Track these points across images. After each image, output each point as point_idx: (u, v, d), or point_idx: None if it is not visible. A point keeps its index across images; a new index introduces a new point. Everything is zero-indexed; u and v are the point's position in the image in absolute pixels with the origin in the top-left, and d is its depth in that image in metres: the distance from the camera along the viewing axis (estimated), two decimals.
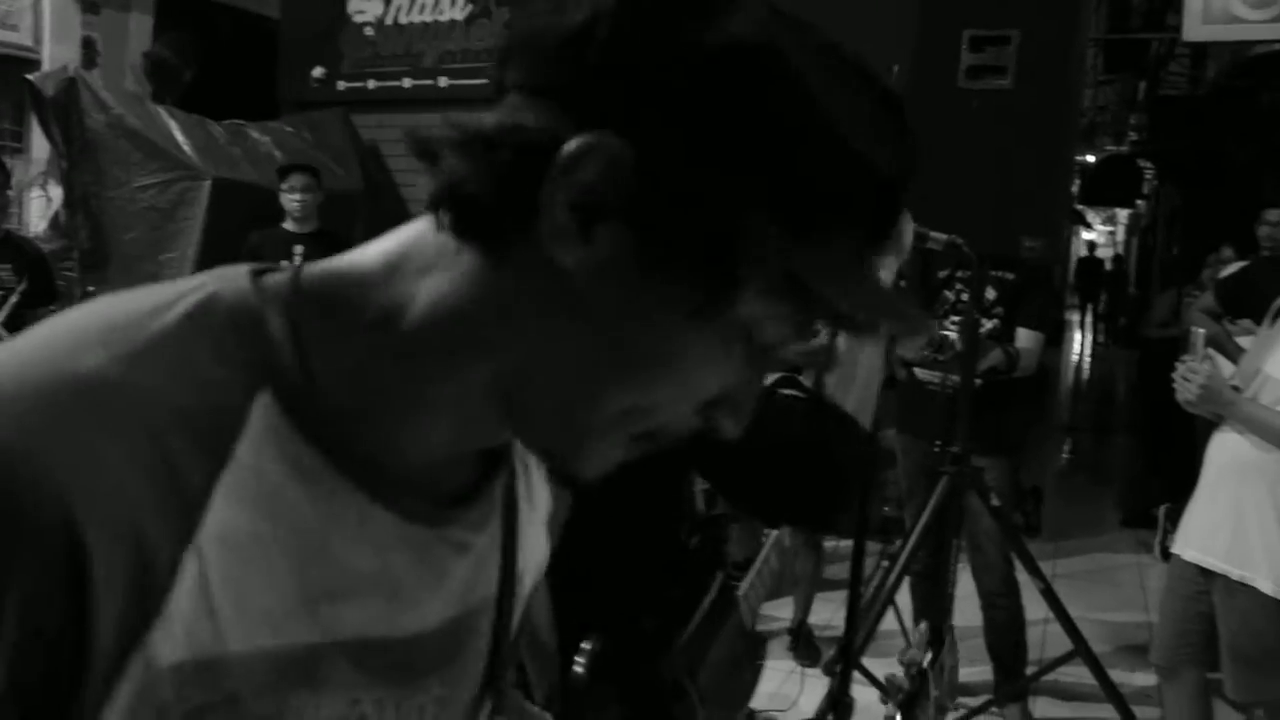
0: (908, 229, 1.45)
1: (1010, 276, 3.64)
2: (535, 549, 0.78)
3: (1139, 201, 15.68)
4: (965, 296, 3.63)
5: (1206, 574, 2.85)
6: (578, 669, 1.32)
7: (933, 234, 1.55)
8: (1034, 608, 3.54)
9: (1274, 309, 2.90)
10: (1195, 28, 5.24)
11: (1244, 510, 2.73)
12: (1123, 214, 20.29)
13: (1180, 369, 2.77)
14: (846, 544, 5.71)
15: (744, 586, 1.52)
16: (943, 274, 3.79)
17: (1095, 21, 12.39)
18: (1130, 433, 7.55)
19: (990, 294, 3.63)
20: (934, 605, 3.70)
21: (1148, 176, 13.81)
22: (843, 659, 1.74)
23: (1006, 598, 3.70)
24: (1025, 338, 3.63)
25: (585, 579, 1.38)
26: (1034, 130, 2.86)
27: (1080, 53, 3.14)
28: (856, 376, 1.35)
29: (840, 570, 5.45)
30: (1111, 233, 22.79)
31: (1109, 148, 14.41)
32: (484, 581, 0.70)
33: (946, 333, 3.51)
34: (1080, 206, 16.85)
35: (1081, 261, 17.07)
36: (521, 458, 0.75)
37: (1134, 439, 7.39)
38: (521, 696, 0.93)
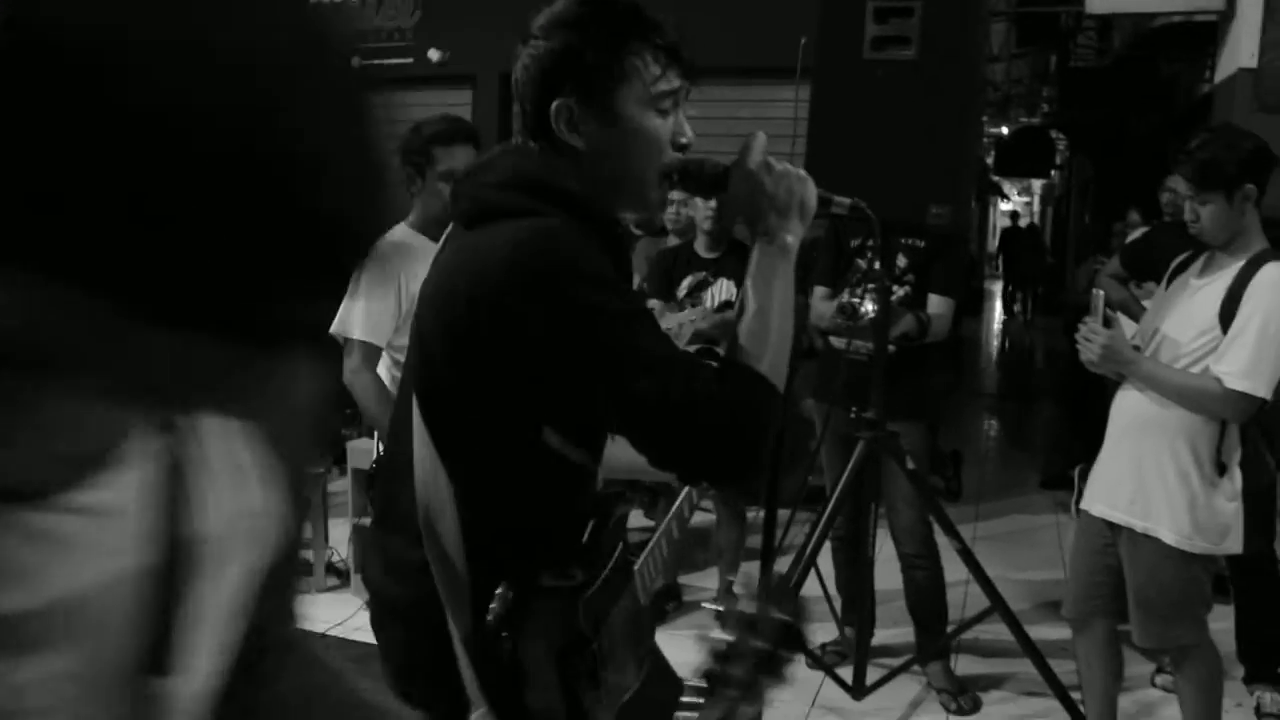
0: (811, 194, 1.48)
1: (921, 244, 3.71)
2: (228, 507, 0.73)
3: (1053, 172, 16.01)
4: (878, 264, 3.69)
5: (1113, 528, 2.94)
6: (491, 617, 1.38)
7: (836, 198, 1.59)
8: (954, 569, 3.63)
9: (1170, 270, 3.00)
10: (1098, 0, 5.38)
11: (1145, 464, 2.83)
12: (1038, 184, 20.72)
13: (1082, 330, 2.86)
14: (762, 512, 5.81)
15: (640, 561, 1.57)
16: (855, 243, 3.85)
17: None
18: (1050, 398, 7.74)
19: (901, 261, 3.69)
20: (854, 569, 3.78)
21: (1060, 148, 14.11)
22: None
23: (926, 559, 3.78)
24: (936, 303, 3.69)
25: (500, 525, 1.44)
26: (938, 100, 2.91)
27: (982, 22, 3.19)
28: (768, 337, 1.40)
29: (757, 538, 5.53)
30: (1028, 203, 23.25)
31: (1023, 120, 14.68)
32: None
33: (855, 300, 3.57)
34: (996, 178, 17.16)
35: (1005, 231, 17.34)
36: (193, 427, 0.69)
37: (1055, 404, 7.58)
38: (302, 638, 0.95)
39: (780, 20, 4.69)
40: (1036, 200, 22.75)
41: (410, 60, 6.86)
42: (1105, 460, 3.00)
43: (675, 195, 4.77)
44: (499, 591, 1.38)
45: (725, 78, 6.03)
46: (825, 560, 3.77)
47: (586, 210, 1.42)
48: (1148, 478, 2.83)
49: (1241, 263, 2.71)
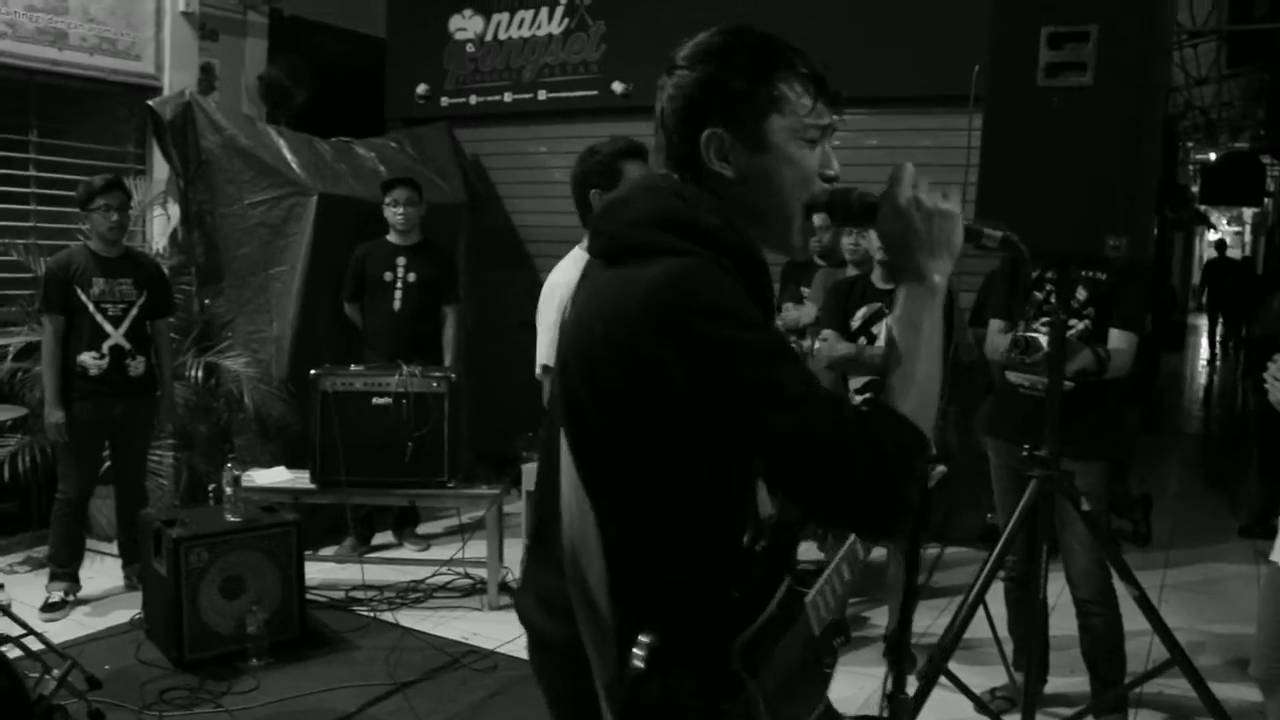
0: (958, 232, 1.44)
1: (1103, 276, 3.56)
2: None
3: (1265, 200, 15.04)
4: (1041, 295, 3.57)
5: None
6: (636, 662, 1.36)
7: (987, 230, 1.53)
8: (1138, 619, 3.45)
9: None
10: None
11: None
12: (1248, 213, 19.50)
13: (1271, 369, 2.68)
14: (950, 552, 5.65)
15: (811, 594, 1.53)
16: (1035, 272, 3.72)
17: (1216, 15, 11.95)
18: (1256, 441, 7.26)
19: (1081, 294, 3.56)
20: (1026, 612, 3.64)
21: (1274, 174, 13.24)
22: (894, 654, 1.73)
23: (1102, 605, 3.61)
24: (1116, 338, 3.54)
25: (648, 569, 1.44)
26: (1115, 127, 2.80)
27: (1164, 46, 3.05)
28: (914, 378, 1.36)
29: (943, 578, 5.39)
30: (1238, 233, 21.89)
31: (1232, 145, 13.86)
32: None
33: (1032, 334, 3.45)
34: (1203, 206, 16.22)
35: (1210, 263, 16.32)
36: None
37: (1259, 447, 7.10)
38: None
39: (954, 47, 4.60)
40: (1248, 230, 21.41)
41: (596, 92, 7.02)
42: None
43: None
44: (643, 639, 1.36)
45: (899, 106, 5.94)
46: (998, 602, 3.64)
47: (726, 245, 1.41)
48: None
49: None
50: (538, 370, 3.39)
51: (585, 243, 3.32)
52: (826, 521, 1.49)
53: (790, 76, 1.45)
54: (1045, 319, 3.55)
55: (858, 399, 3.10)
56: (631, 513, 1.44)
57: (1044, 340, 3.57)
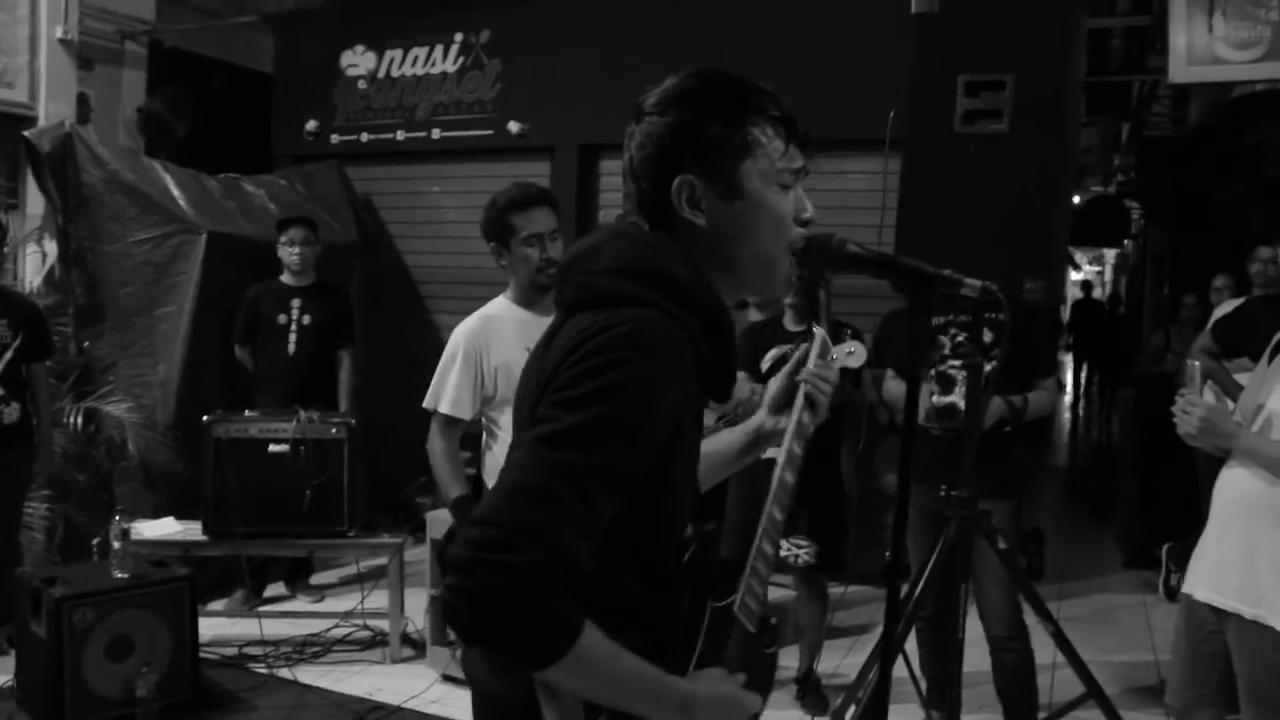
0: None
1: (1002, 316, 3.66)
2: None
3: (1126, 241, 15.77)
4: (960, 339, 3.64)
5: (1219, 613, 2.82)
6: None
7: (966, 281, 1.51)
8: (1042, 651, 3.51)
9: (1273, 345, 2.90)
10: (1180, 70, 5.32)
11: (1255, 547, 2.71)
12: (1110, 254, 20.42)
13: (1179, 402, 2.75)
14: (852, 590, 5.70)
15: (738, 599, 1.49)
16: (937, 320, 3.80)
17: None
18: (1130, 474, 7.55)
19: (987, 336, 3.64)
20: (940, 651, 3.67)
21: (1134, 217, 13.91)
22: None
23: (1016, 641, 3.66)
24: (1042, 386, 3.67)
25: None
26: (1031, 173, 2.87)
27: (1075, 95, 3.16)
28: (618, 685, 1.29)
29: (847, 617, 5.43)
30: (1100, 273, 22.92)
31: (1095, 188, 14.50)
32: None
33: (949, 400, 3.53)
34: (1069, 247, 16.93)
35: (1077, 304, 16.85)
36: None
37: (1132, 479, 7.39)
38: None
39: (872, 93, 4.68)
40: (1109, 269, 22.43)
41: (491, 132, 6.96)
42: (1209, 542, 2.88)
43: None
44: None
45: (818, 149, 6.01)
46: (909, 640, 3.67)
47: (693, 299, 1.37)
48: (1257, 561, 2.70)
49: None
50: (427, 402, 3.33)
51: (508, 292, 3.30)
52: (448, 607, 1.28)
53: (762, 120, 1.42)
54: (956, 361, 3.62)
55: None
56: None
57: (960, 403, 3.64)
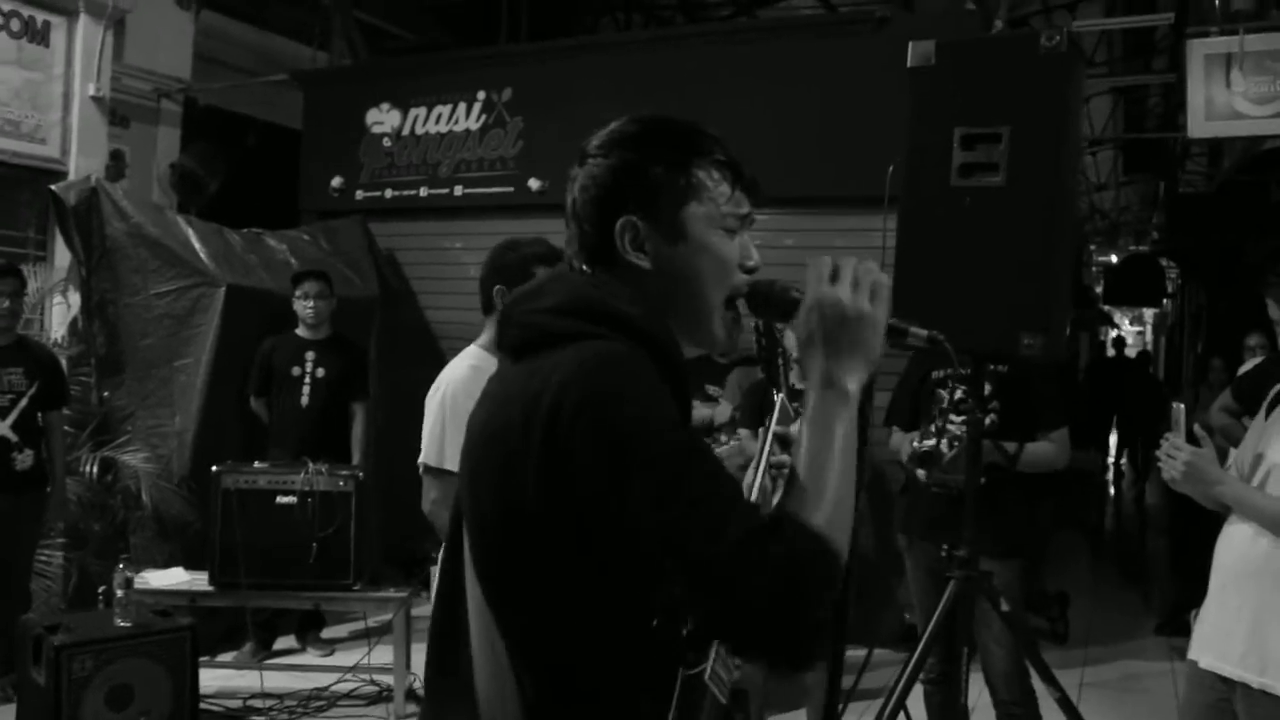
0: (878, 340, 1.38)
1: (1002, 369, 3.61)
2: None
3: (1165, 300, 15.59)
4: (959, 393, 3.58)
5: (1227, 681, 2.72)
6: None
7: (913, 330, 1.47)
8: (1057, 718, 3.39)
9: (1271, 397, 2.83)
10: (1199, 125, 5.28)
11: (1259, 612, 2.62)
12: (1149, 313, 20.20)
13: (1164, 446, 2.68)
14: (861, 653, 5.58)
15: (709, 668, 1.41)
16: (937, 374, 3.76)
17: (1112, 124, 12.51)
18: (1161, 535, 7.37)
19: (986, 388, 3.58)
20: (948, 714, 3.57)
21: (1171, 275, 13.77)
22: None
23: (1023, 706, 3.56)
24: (1054, 439, 3.63)
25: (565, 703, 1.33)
26: (1028, 226, 2.83)
27: (1073, 147, 3.11)
28: (825, 491, 1.25)
29: (867, 679, 5.30)
30: (1140, 332, 22.66)
31: (1132, 248, 14.40)
32: None
33: (929, 446, 3.47)
34: (1107, 307, 16.76)
35: (1097, 362, 16.24)
36: None
37: (1164, 541, 7.21)
38: None
39: (870, 150, 4.65)
40: (1149, 330, 22.17)
41: (512, 189, 7.02)
42: (1212, 606, 2.79)
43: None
44: None
45: (816, 206, 6.03)
46: (918, 704, 3.57)
47: (644, 333, 1.33)
48: (1263, 625, 2.61)
49: None
50: (420, 466, 3.31)
51: (482, 339, 3.27)
52: (729, 645, 1.33)
53: (707, 164, 1.41)
54: (956, 417, 3.57)
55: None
56: (542, 627, 1.32)
57: (944, 448, 3.59)
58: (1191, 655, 2.84)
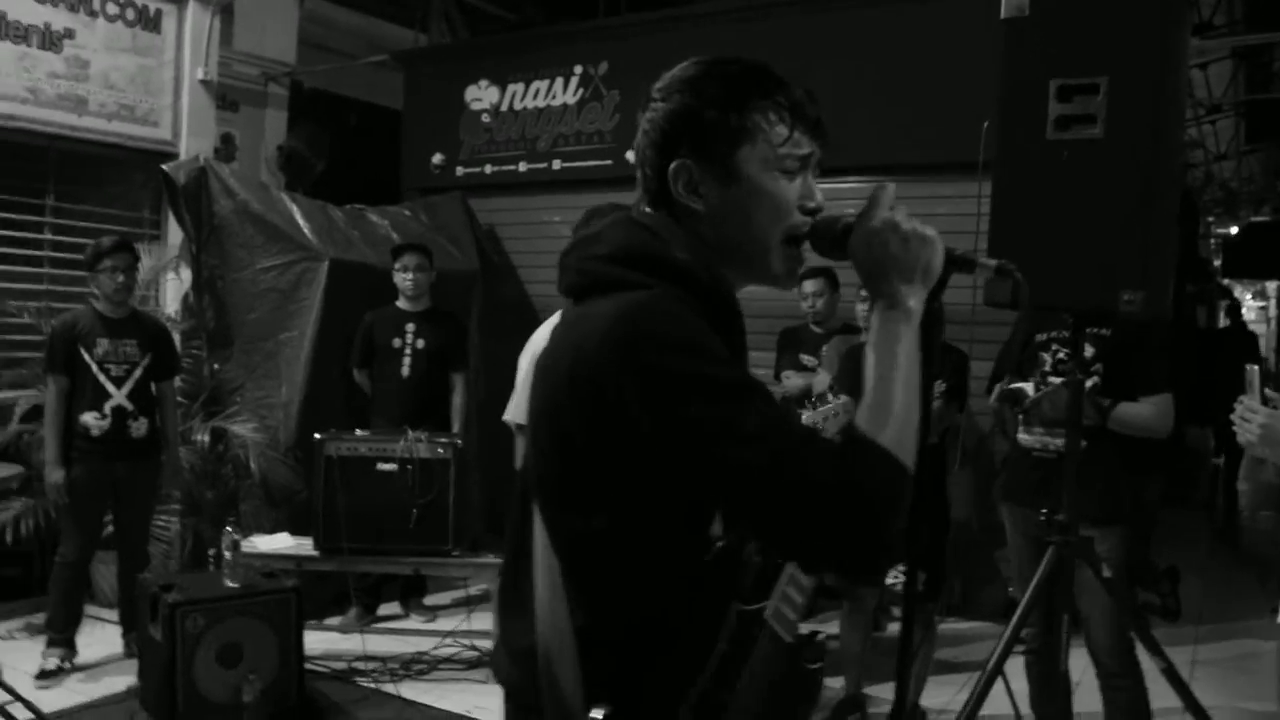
0: (938, 257, 1.37)
1: (1107, 333, 3.49)
2: None
3: None
4: (1062, 354, 3.49)
5: None
6: None
7: (981, 260, 1.46)
8: (1170, 696, 3.29)
9: None
10: None
11: None
12: (1272, 287, 19.35)
13: (1238, 409, 2.58)
14: (973, 626, 5.50)
15: (771, 605, 1.42)
16: (1040, 337, 3.66)
17: (1233, 90, 11.99)
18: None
19: (1088, 351, 3.48)
20: (1049, 684, 3.49)
21: None
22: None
23: (1125, 678, 3.46)
24: (1152, 403, 3.47)
25: (619, 646, 1.36)
26: (1127, 179, 2.73)
27: (1177, 96, 2.99)
28: (891, 408, 1.27)
29: (961, 653, 5.23)
30: (1263, 307, 21.71)
31: (1253, 218, 13.81)
32: None
33: (1016, 385, 3.38)
34: (1227, 281, 16.11)
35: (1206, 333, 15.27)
36: None
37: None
38: None
39: (964, 113, 4.54)
40: (1273, 304, 21.24)
41: (610, 162, 7.04)
42: None
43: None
44: (595, 715, 1.31)
45: (911, 174, 5.89)
46: (1020, 676, 3.50)
47: (695, 280, 1.36)
48: None
49: None
50: (510, 415, 3.41)
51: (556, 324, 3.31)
52: (803, 564, 1.38)
53: (766, 105, 1.40)
54: (1057, 379, 3.47)
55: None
56: (599, 562, 1.36)
57: (1029, 389, 3.51)
58: None
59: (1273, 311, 20.75)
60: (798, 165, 1.42)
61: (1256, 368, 2.65)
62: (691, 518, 1.35)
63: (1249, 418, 2.55)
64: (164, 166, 5.96)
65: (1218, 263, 15.73)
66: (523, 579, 1.44)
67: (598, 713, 1.31)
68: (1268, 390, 2.63)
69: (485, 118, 7.58)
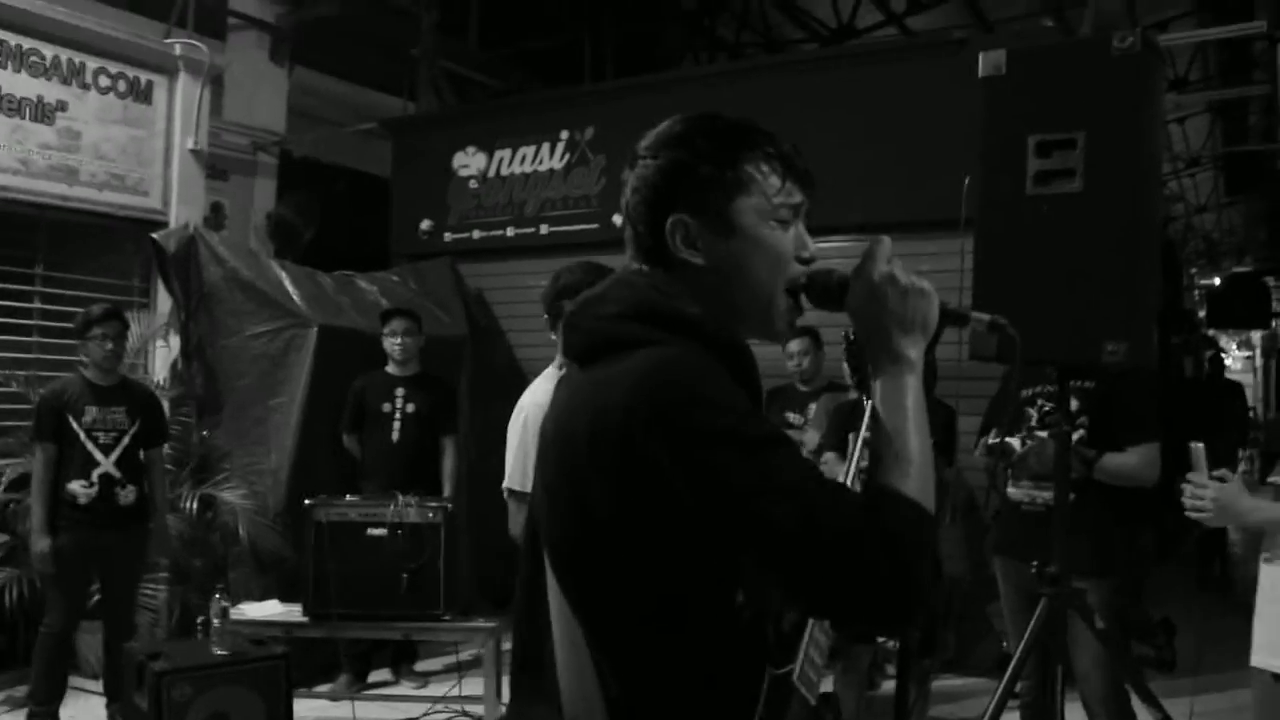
0: (934, 310, 1.39)
1: (1091, 385, 3.52)
2: None
3: (1273, 321, 15.04)
4: (1047, 409, 3.51)
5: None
6: None
7: (975, 314, 1.48)
8: None
9: None
10: None
11: None
12: (1256, 336, 19.50)
13: (1187, 489, 2.67)
14: (968, 683, 5.45)
15: (798, 668, 1.41)
16: (1027, 392, 3.68)
17: (1210, 143, 12.19)
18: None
19: (1074, 404, 3.50)
20: None
21: (1278, 295, 13.28)
22: None
23: None
24: (1138, 453, 3.49)
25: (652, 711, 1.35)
26: (1107, 231, 2.78)
27: (1153, 149, 3.04)
28: (910, 457, 1.29)
29: (956, 709, 5.19)
30: (1249, 357, 21.85)
31: (1235, 269, 13.96)
32: None
33: (1006, 440, 3.40)
34: (1211, 331, 16.23)
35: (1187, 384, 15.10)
36: None
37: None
38: None
39: (946, 172, 4.61)
40: (1258, 354, 21.38)
41: (597, 225, 7.10)
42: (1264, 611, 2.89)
43: None
44: None
45: (894, 233, 5.94)
46: None
47: (709, 334, 1.35)
48: None
49: None
50: (504, 490, 3.38)
51: (557, 360, 3.31)
52: (839, 619, 1.37)
53: (757, 157, 1.41)
54: (1042, 433, 3.49)
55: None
56: (625, 632, 1.34)
57: (1016, 444, 3.52)
58: (1255, 661, 2.82)
59: (1258, 361, 20.88)
60: (791, 215, 1.43)
61: (1201, 445, 2.75)
62: (722, 582, 1.33)
63: (1200, 494, 2.64)
64: (153, 235, 6.00)
65: (1202, 314, 15.86)
66: (541, 651, 1.42)
67: None
68: (1235, 471, 2.72)
69: (473, 184, 7.66)
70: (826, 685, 4.45)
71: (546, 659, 1.42)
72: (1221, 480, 2.70)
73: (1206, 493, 2.67)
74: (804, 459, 1.29)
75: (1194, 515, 2.72)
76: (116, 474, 4.77)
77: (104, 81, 6.31)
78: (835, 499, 1.22)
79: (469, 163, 7.69)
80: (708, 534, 1.26)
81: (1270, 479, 2.86)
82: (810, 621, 1.48)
